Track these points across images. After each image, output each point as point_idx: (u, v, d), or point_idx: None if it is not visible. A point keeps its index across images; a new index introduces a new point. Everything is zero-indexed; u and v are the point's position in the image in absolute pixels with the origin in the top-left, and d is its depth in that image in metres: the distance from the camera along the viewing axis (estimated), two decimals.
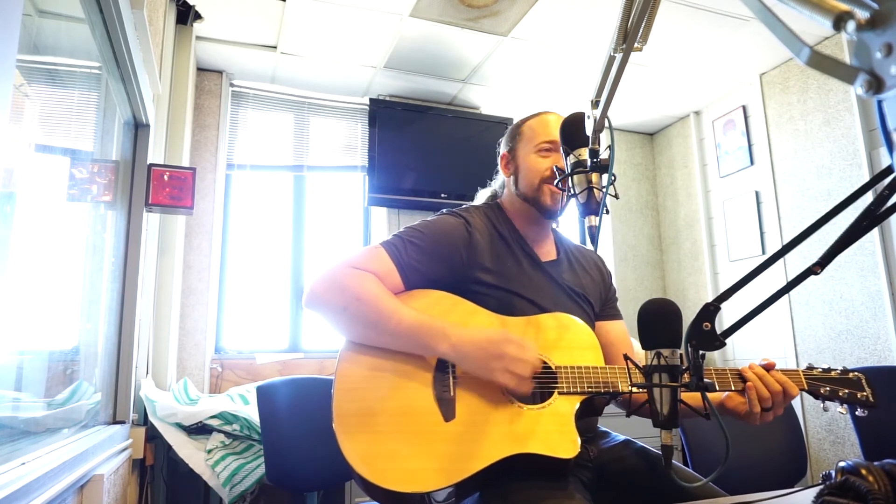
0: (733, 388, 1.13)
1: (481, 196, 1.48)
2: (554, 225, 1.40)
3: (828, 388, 1.12)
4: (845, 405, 1.12)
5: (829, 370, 1.15)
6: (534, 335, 1.17)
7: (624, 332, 1.40)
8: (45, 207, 1.42)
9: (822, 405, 1.14)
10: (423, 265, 1.19)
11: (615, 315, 1.42)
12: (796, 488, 0.98)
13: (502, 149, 1.42)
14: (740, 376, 1.13)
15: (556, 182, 1.23)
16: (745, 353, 3.51)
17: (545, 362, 1.13)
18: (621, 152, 4.21)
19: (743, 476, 1.77)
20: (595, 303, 1.37)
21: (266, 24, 2.94)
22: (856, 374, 1.14)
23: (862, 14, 0.39)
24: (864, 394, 1.11)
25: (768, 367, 1.14)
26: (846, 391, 1.11)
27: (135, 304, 1.99)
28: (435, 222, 1.26)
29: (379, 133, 3.52)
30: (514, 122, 1.44)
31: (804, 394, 1.14)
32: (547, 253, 1.36)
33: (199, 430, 2.27)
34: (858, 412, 1.11)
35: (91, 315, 1.78)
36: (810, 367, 1.16)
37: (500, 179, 1.44)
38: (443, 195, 3.56)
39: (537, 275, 1.29)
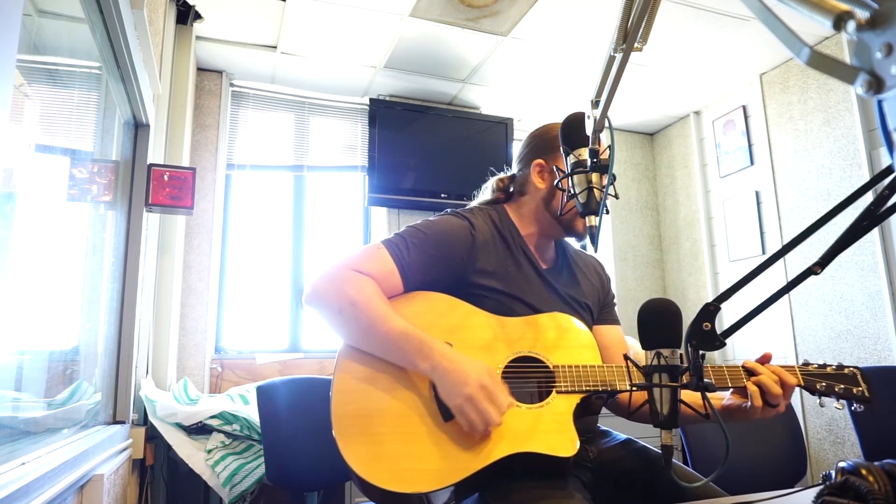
0: (730, 385, 1.13)
1: (486, 189, 1.43)
2: None
3: (824, 384, 1.13)
4: (841, 400, 1.12)
5: (824, 366, 1.16)
6: (532, 335, 1.17)
7: (620, 336, 1.39)
8: (45, 207, 1.42)
9: (818, 401, 1.15)
10: (425, 266, 1.19)
11: (611, 320, 1.41)
12: (796, 488, 0.98)
13: (535, 155, 1.32)
14: (739, 371, 1.14)
15: (556, 182, 1.23)
16: (745, 353, 3.51)
17: (541, 360, 1.13)
18: (621, 152, 4.21)
19: (743, 476, 1.77)
20: (594, 308, 1.37)
21: (266, 24, 2.94)
22: (851, 369, 1.15)
23: (862, 14, 0.39)
24: (860, 389, 1.12)
25: (764, 360, 1.16)
26: (842, 386, 1.12)
27: (135, 304, 1.99)
28: (438, 223, 1.25)
29: (379, 133, 3.52)
30: (549, 126, 1.34)
31: (804, 393, 1.14)
32: (548, 259, 1.35)
33: (199, 430, 2.27)
34: (854, 407, 1.12)
35: (91, 315, 1.78)
36: (806, 363, 1.17)
37: (521, 182, 1.36)
38: (443, 195, 3.56)
39: (537, 281, 1.28)
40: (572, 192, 1.05)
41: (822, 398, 1.14)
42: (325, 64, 3.30)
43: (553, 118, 1.37)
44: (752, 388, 1.11)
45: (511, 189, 1.40)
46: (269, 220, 3.57)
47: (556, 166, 1.28)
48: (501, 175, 1.44)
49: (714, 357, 3.69)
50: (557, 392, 1.10)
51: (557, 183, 1.21)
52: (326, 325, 1.15)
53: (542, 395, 1.11)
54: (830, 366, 1.16)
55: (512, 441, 1.04)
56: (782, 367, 1.14)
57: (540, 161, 1.31)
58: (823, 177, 3.10)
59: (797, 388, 1.14)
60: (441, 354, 1.06)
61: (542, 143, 1.33)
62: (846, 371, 1.14)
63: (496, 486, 1.06)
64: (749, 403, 1.11)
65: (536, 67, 3.36)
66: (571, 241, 1.45)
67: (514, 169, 1.41)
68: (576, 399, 1.10)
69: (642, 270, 4.08)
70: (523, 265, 1.28)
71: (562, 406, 1.09)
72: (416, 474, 1.01)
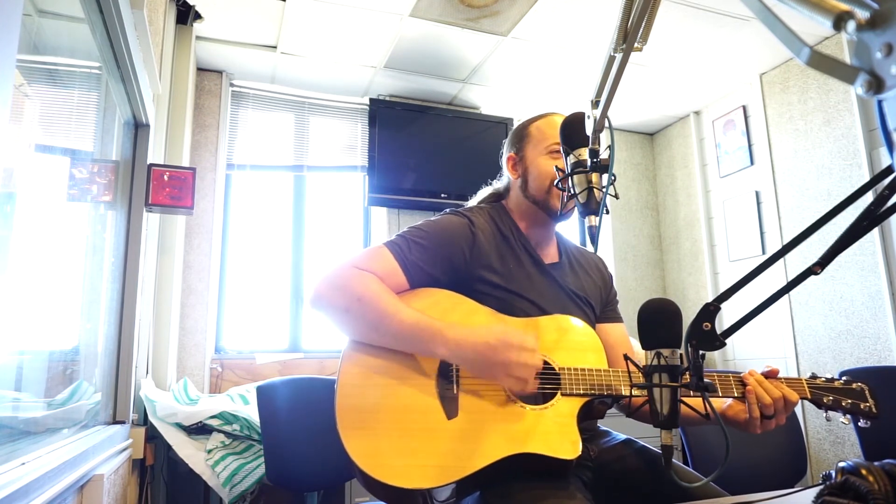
0: (735, 394, 1.13)
1: (481, 195, 1.47)
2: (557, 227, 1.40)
3: (831, 398, 1.12)
4: (848, 415, 1.11)
5: (832, 380, 1.15)
6: (534, 336, 1.17)
7: (624, 334, 1.40)
8: (45, 207, 1.42)
9: (824, 415, 1.14)
10: (427, 264, 1.19)
11: (615, 317, 1.42)
12: (796, 488, 0.98)
13: (508, 150, 1.40)
14: (741, 382, 1.13)
15: (556, 182, 1.23)
16: (745, 354, 3.51)
17: (547, 362, 1.13)
18: (621, 152, 4.21)
19: (743, 476, 1.77)
20: (596, 305, 1.37)
21: (266, 24, 2.94)
22: (859, 384, 1.13)
23: (862, 14, 0.39)
24: (867, 404, 1.11)
25: (770, 375, 1.14)
26: (849, 401, 1.11)
27: (135, 304, 1.99)
28: (439, 222, 1.26)
29: (379, 133, 3.52)
30: (518, 122, 1.42)
31: (806, 400, 1.13)
32: (550, 255, 1.36)
33: (199, 430, 2.27)
34: (861, 423, 1.11)
35: (91, 315, 1.78)
36: (813, 377, 1.16)
37: (506, 180, 1.42)
38: (443, 195, 3.56)
39: (539, 276, 1.29)
40: (573, 192, 1.06)
41: (829, 412, 1.13)
42: (325, 64, 3.30)
43: None
44: (749, 398, 1.11)
45: (501, 189, 1.44)
46: (269, 220, 3.57)
47: (524, 154, 1.35)
48: (495, 182, 1.48)
49: (714, 357, 3.69)
50: (562, 394, 1.10)
51: (558, 183, 1.21)
52: (334, 325, 1.15)
53: (546, 397, 1.12)
54: (838, 380, 1.14)
55: (515, 441, 1.04)
56: (789, 379, 1.14)
57: (510, 154, 1.39)
58: (823, 177, 3.10)
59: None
60: (455, 341, 1.06)
61: (511, 138, 1.41)
62: (854, 386, 1.13)
63: (498, 485, 1.06)
64: (748, 414, 1.11)
65: (536, 67, 3.36)
66: (571, 237, 1.46)
67: (502, 171, 1.45)
68: (579, 402, 1.10)
69: (642, 270, 4.08)
70: (525, 261, 1.29)
71: (565, 408, 1.09)
72: (419, 470, 1.01)
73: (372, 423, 1.05)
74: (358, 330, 1.13)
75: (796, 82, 3.29)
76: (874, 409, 1.10)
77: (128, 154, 2.08)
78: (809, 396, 1.13)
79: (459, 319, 1.16)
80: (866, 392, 1.12)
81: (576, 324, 1.21)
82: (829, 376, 1.16)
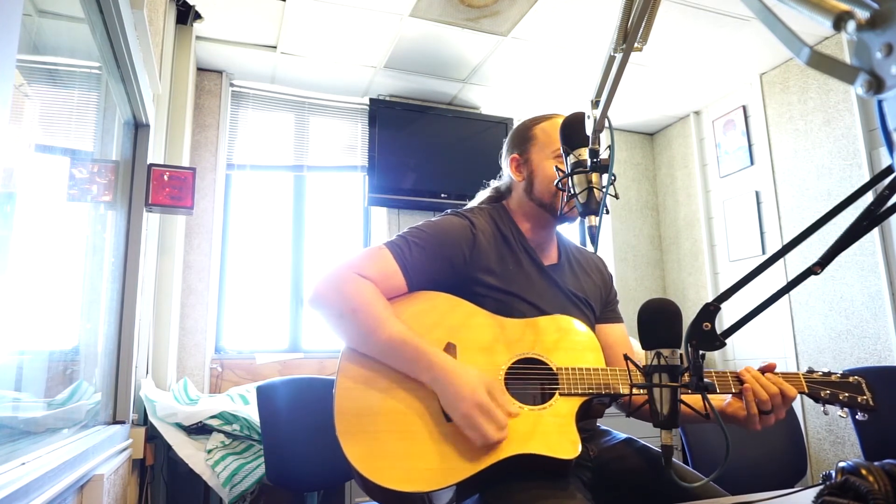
0: (732, 391, 1.13)
1: (482, 195, 1.47)
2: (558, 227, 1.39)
3: (828, 392, 1.12)
4: (845, 409, 1.12)
5: (829, 374, 1.15)
6: (532, 337, 1.17)
7: (624, 334, 1.40)
8: (45, 207, 1.42)
9: (822, 409, 1.14)
10: (427, 266, 1.19)
11: (615, 318, 1.42)
12: (796, 488, 0.98)
13: (511, 151, 1.38)
14: (738, 379, 1.13)
15: (556, 182, 1.23)
16: (745, 354, 3.51)
17: (545, 362, 1.13)
18: (621, 152, 4.21)
19: (743, 476, 1.77)
20: (596, 306, 1.37)
21: (266, 24, 2.94)
22: (856, 377, 1.14)
23: (862, 14, 0.39)
24: (865, 398, 1.11)
25: (767, 370, 1.14)
26: (846, 395, 1.11)
27: (135, 304, 1.99)
28: (439, 223, 1.26)
29: (379, 133, 3.52)
30: (521, 122, 1.40)
31: (804, 394, 1.14)
32: (550, 256, 1.36)
33: (199, 430, 2.27)
34: (859, 416, 1.11)
35: (91, 315, 1.78)
36: (811, 371, 1.16)
37: (507, 180, 1.41)
38: (443, 195, 3.56)
39: (539, 278, 1.29)
40: (572, 191, 1.06)
41: (826, 406, 1.13)
42: (325, 64, 3.30)
43: None
44: (747, 395, 1.11)
45: (502, 190, 1.44)
46: (269, 220, 3.57)
47: (528, 157, 1.33)
48: (494, 182, 1.47)
49: (714, 357, 3.69)
50: (560, 394, 1.10)
51: (558, 182, 1.21)
52: (328, 328, 1.15)
53: (544, 397, 1.12)
54: (835, 374, 1.15)
55: (514, 442, 1.04)
56: (786, 374, 1.14)
57: (514, 155, 1.36)
58: (823, 177, 3.10)
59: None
60: (440, 367, 1.05)
61: (514, 139, 1.39)
62: (851, 379, 1.13)
63: (497, 487, 1.06)
64: (746, 411, 1.11)
65: (536, 67, 3.36)
66: (571, 237, 1.46)
67: (503, 172, 1.44)
68: (578, 401, 1.10)
69: (642, 270, 4.08)
70: (524, 263, 1.28)
71: (564, 408, 1.09)
72: (418, 473, 1.01)
73: (370, 426, 1.05)
74: (350, 338, 1.13)
75: (796, 82, 3.29)
76: (871, 402, 1.11)
77: (128, 154, 2.08)
78: (806, 391, 1.13)
79: (458, 322, 1.16)
80: (863, 385, 1.13)
81: (575, 324, 1.21)
82: (825, 370, 1.16)
